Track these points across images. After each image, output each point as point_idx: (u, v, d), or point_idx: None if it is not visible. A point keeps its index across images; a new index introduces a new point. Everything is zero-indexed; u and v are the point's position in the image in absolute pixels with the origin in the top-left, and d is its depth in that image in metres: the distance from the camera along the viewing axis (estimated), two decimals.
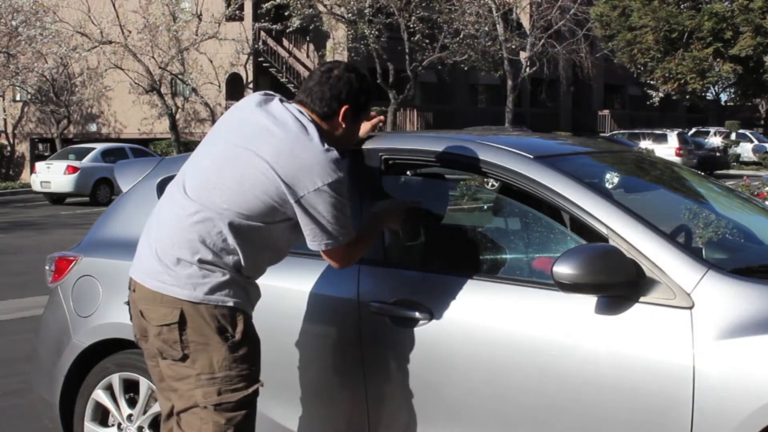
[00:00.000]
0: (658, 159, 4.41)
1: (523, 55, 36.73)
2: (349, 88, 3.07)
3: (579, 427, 2.94)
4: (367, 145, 3.48)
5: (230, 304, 2.96)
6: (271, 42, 37.00)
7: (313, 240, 2.99)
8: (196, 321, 2.93)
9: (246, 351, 2.99)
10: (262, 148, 2.93)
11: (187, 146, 32.43)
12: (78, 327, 3.93)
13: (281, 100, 3.08)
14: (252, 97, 3.12)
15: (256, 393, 3.02)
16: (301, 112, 3.03)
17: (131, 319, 3.14)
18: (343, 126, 3.10)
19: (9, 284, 10.50)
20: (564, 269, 2.84)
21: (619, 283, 2.87)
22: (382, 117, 3.61)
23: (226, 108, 35.11)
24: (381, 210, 3.26)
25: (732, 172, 34.36)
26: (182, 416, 3.01)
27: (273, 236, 3.03)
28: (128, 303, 3.16)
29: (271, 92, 3.15)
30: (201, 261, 2.93)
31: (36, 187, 25.78)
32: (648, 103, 44.65)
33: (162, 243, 2.99)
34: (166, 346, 2.96)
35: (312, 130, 2.96)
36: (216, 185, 2.96)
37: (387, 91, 33.15)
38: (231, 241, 2.94)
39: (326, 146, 2.94)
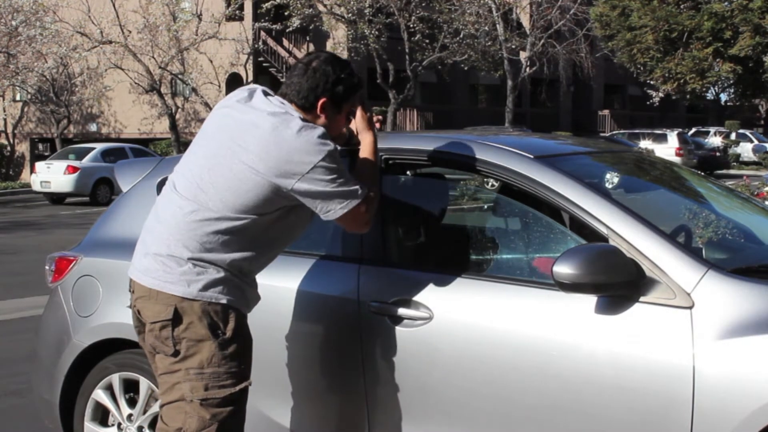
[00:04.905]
0: (658, 159, 4.40)
1: (523, 55, 36.70)
2: (325, 80, 3.09)
3: (579, 427, 2.94)
4: None
5: (223, 301, 2.98)
6: (271, 42, 36.98)
7: (327, 212, 3.00)
8: (189, 317, 2.95)
9: (236, 349, 3.00)
10: (249, 143, 2.96)
11: (187, 146, 32.07)
12: (78, 327, 3.93)
13: (264, 93, 3.12)
14: (235, 94, 3.16)
15: (244, 391, 3.03)
16: (282, 102, 3.08)
17: (133, 321, 3.17)
18: (323, 117, 3.12)
19: (9, 284, 10.50)
20: (564, 269, 2.84)
21: (619, 283, 2.87)
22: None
23: None
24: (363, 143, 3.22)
25: (732, 172, 34.36)
26: (165, 409, 3.03)
27: (268, 228, 3.05)
28: (131, 306, 3.18)
29: (254, 85, 3.17)
30: (195, 259, 2.96)
31: (36, 187, 25.78)
32: (648, 103, 44.55)
33: (157, 241, 3.02)
34: (159, 342, 2.99)
35: (293, 114, 3.00)
36: (209, 184, 2.98)
37: (387, 91, 33.13)
38: (225, 238, 2.97)
39: (310, 124, 2.97)
